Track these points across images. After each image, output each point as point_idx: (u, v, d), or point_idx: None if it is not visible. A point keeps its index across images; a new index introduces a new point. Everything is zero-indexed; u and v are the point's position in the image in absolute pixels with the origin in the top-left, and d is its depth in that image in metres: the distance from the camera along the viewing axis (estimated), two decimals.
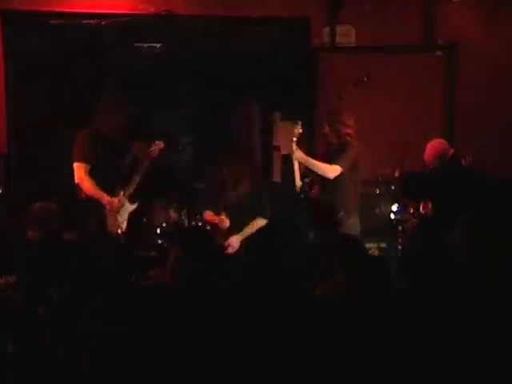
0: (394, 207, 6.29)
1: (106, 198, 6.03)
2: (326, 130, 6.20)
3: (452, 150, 6.53)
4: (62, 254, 4.72)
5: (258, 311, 3.72)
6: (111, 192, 6.12)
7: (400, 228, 6.24)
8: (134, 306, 3.95)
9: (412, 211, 6.23)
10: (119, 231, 6.06)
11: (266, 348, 3.52)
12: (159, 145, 6.49)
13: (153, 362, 3.53)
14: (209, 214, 6.11)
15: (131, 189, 6.24)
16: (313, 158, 6.16)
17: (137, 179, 6.26)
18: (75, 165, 6.11)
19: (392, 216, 6.29)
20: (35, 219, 5.23)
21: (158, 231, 6.43)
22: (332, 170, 6.05)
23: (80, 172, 6.07)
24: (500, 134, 7.45)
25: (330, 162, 6.07)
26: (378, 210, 6.93)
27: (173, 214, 6.52)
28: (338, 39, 7.56)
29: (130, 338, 3.69)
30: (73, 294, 4.10)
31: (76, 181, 6.10)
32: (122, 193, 6.22)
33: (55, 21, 6.70)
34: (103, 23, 6.83)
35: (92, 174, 6.05)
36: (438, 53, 7.71)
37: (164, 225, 6.45)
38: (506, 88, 7.48)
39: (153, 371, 3.51)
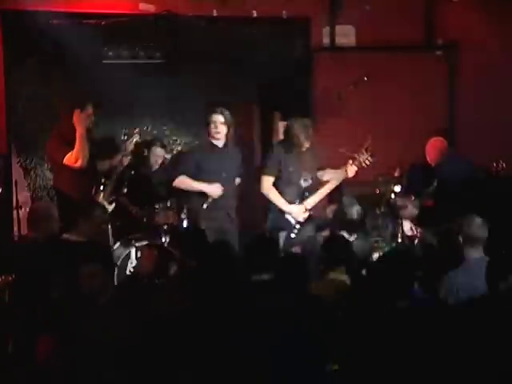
0: (397, 188, 6.29)
1: None
2: None
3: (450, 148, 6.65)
4: (62, 253, 4.73)
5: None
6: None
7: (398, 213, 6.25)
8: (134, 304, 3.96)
9: (413, 199, 6.23)
10: None
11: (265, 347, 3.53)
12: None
13: (152, 361, 3.53)
14: None
15: (109, 190, 6.25)
16: None
17: (115, 179, 6.28)
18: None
19: (392, 196, 6.31)
20: (35, 219, 5.23)
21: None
22: None
23: None
24: (500, 133, 7.45)
25: None
26: (377, 210, 6.91)
27: (172, 215, 6.52)
28: (337, 39, 7.55)
29: (130, 337, 3.69)
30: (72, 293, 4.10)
31: None
32: (101, 195, 6.22)
33: (55, 21, 6.69)
34: (103, 23, 6.82)
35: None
36: (438, 52, 7.72)
37: (164, 226, 6.45)
38: (506, 88, 7.47)
39: (150, 370, 3.51)
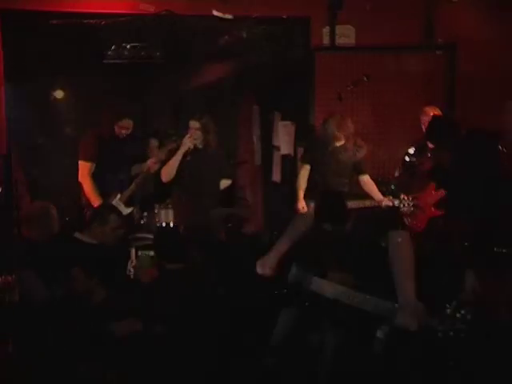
0: (411, 150, 6.32)
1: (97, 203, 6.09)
2: None
3: None
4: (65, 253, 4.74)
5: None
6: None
7: (412, 171, 6.29)
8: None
9: (429, 155, 6.22)
10: None
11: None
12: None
13: (155, 361, 3.54)
14: None
15: (128, 193, 6.26)
16: None
17: (137, 184, 6.29)
18: (80, 163, 6.22)
19: (407, 158, 6.33)
20: (35, 219, 5.24)
21: None
22: None
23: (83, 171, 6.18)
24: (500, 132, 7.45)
25: None
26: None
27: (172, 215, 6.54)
28: (337, 39, 7.55)
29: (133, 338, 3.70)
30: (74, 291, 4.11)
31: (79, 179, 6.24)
32: (118, 196, 6.23)
33: (55, 21, 6.69)
34: (103, 23, 6.82)
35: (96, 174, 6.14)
36: (438, 52, 7.72)
37: (164, 225, 6.46)
38: (506, 88, 7.47)
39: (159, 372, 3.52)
